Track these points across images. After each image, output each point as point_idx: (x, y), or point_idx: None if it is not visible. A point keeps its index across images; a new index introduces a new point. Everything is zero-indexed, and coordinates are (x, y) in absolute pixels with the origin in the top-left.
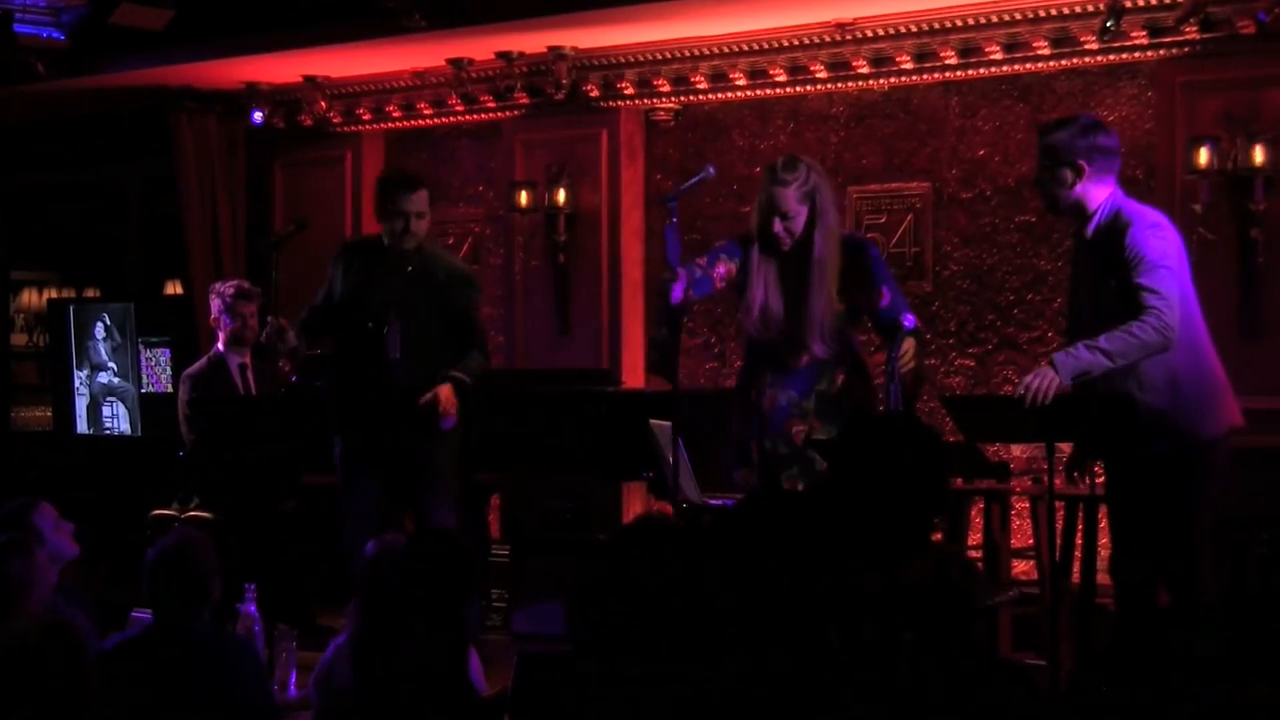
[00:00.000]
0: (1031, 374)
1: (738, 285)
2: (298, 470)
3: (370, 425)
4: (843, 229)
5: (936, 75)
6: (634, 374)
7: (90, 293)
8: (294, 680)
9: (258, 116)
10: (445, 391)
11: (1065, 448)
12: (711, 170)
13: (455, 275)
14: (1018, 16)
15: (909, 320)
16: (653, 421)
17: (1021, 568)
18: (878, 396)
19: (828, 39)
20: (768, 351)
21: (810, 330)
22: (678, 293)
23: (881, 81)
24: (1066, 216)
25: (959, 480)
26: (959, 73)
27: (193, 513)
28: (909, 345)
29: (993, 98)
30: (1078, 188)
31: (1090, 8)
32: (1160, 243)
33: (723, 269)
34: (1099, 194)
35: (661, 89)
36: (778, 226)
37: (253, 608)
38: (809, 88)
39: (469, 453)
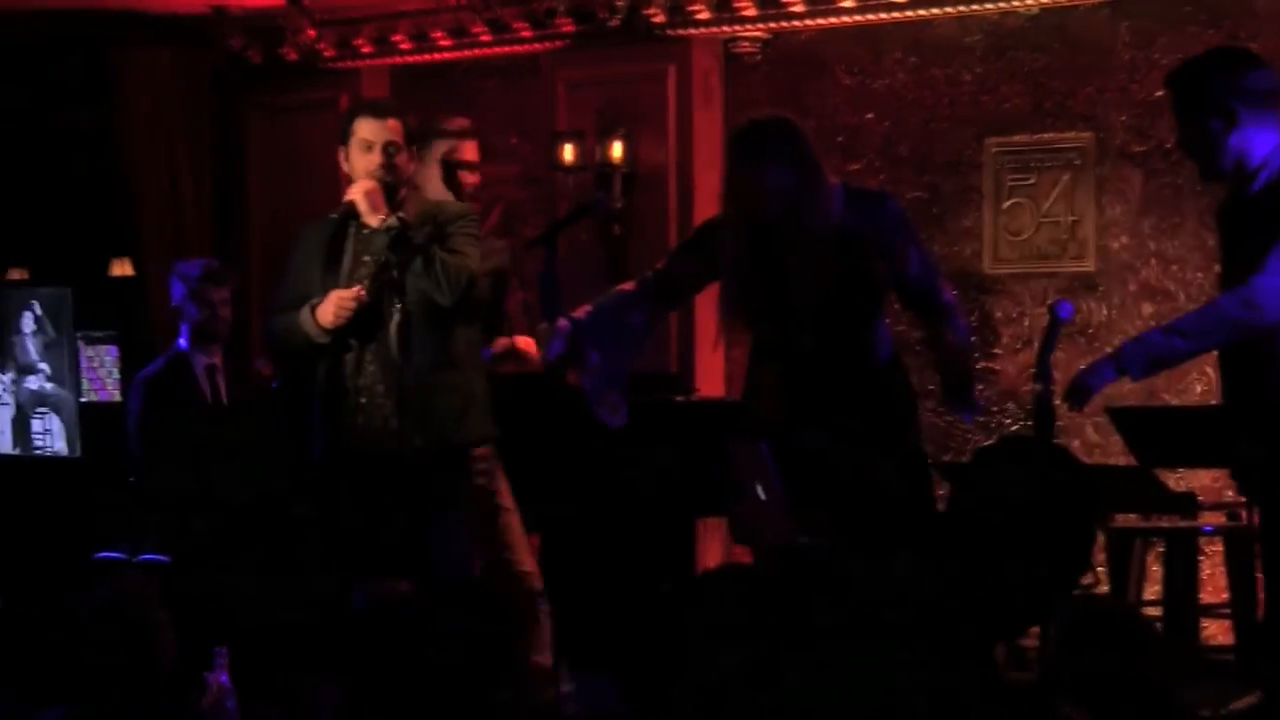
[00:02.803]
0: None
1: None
2: (281, 499)
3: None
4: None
5: None
6: (711, 379)
7: (15, 274)
8: None
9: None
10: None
11: None
12: (603, 199)
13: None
14: None
15: (1065, 310)
16: (735, 439)
17: (1213, 630)
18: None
19: None
20: (765, 347)
21: (795, 313)
22: (557, 346)
23: (1029, 2)
24: (1223, 180)
25: (1131, 515)
26: None
27: (146, 556)
28: None
29: (1173, 22)
30: (1233, 139)
31: None
32: None
33: (691, 265)
34: (1264, 144)
35: (745, 12)
36: (755, 202)
37: (224, 677)
38: (935, 10)
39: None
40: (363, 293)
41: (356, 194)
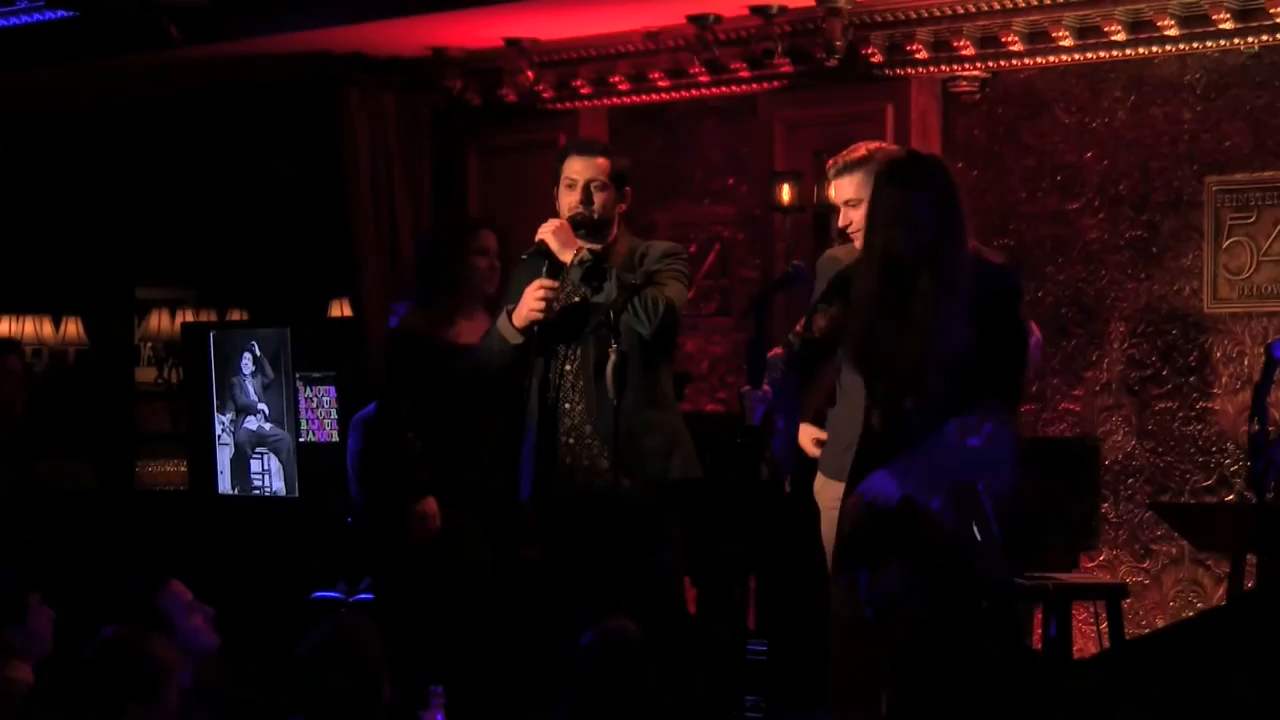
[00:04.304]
0: None
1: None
2: (500, 539)
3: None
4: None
5: None
6: None
7: (235, 315)
8: None
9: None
10: None
11: None
12: (803, 268)
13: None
14: None
15: None
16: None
17: None
18: None
19: None
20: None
21: (910, 369)
22: (761, 412)
23: (1250, 40)
24: None
25: None
26: None
27: (363, 595)
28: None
29: None
30: None
31: None
32: None
33: (829, 319)
34: None
35: (963, 51)
36: (895, 229)
37: (440, 716)
38: (1155, 49)
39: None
40: (554, 284)
41: (545, 232)
